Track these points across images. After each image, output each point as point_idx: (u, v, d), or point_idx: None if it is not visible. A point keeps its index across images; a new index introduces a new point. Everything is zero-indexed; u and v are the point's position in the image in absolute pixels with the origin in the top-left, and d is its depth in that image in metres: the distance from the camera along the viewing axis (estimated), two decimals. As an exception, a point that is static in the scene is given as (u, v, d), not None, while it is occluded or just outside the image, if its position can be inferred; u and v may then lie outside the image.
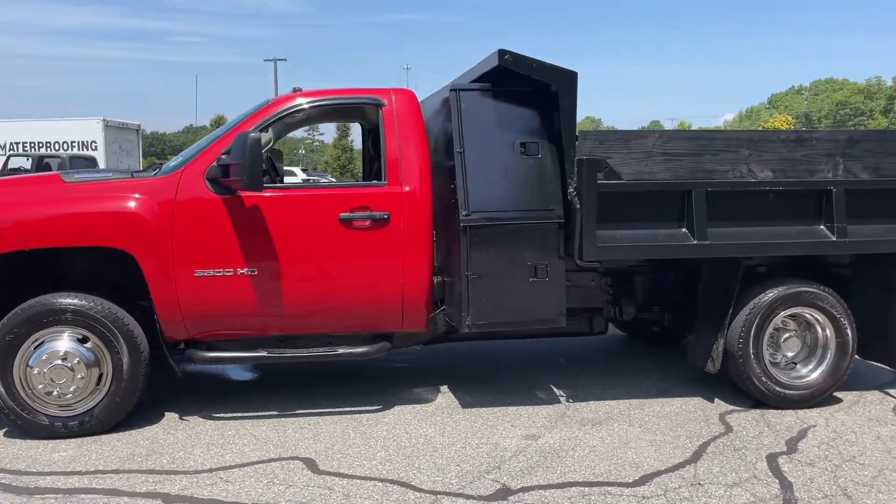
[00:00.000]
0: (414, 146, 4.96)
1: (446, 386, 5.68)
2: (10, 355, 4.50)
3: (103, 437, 4.61)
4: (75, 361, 4.53)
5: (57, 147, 25.99)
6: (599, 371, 6.08)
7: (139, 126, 29.81)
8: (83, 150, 25.70)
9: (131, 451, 4.40)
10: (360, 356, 4.98)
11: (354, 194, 4.89)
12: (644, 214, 4.92)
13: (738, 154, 5.06)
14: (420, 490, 3.89)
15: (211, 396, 5.44)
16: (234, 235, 4.66)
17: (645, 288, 5.75)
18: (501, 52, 4.81)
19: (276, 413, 5.07)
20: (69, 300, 4.56)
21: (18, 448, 4.46)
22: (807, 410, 5.14)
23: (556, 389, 5.61)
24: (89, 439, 4.57)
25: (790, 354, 5.29)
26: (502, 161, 4.95)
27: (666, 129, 18.79)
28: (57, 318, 4.54)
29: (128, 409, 4.68)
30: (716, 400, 5.35)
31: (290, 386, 5.70)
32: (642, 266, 5.66)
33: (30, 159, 22.60)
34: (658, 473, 4.11)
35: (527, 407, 5.20)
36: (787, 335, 5.26)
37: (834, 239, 5.02)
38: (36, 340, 4.54)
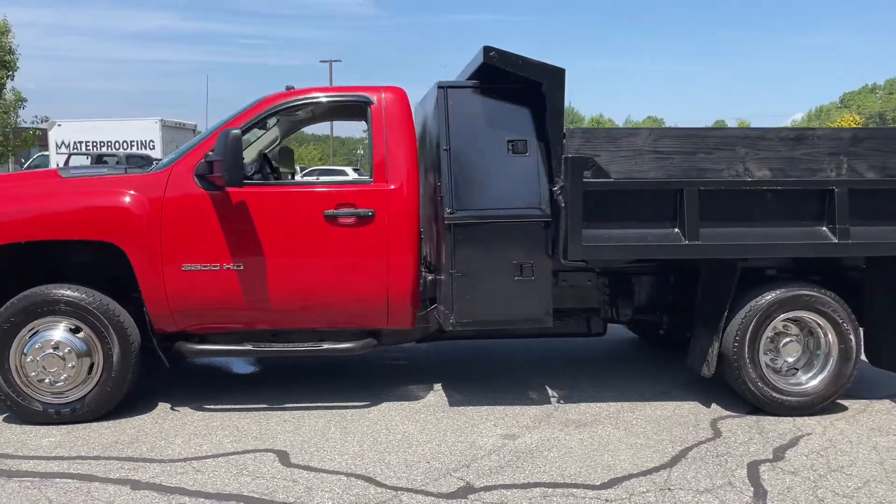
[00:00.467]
0: (401, 144, 4.98)
1: (440, 384, 5.68)
2: (7, 343, 4.68)
3: (94, 424, 4.76)
4: (66, 351, 4.69)
5: (117, 146, 26.89)
6: (599, 373, 5.99)
7: (195, 126, 30.61)
8: (142, 149, 26.53)
9: (115, 439, 4.53)
10: (343, 352, 5.02)
11: (340, 191, 4.93)
12: (633, 214, 4.82)
13: (733, 152, 4.91)
14: (382, 485, 3.90)
15: (207, 388, 5.57)
16: (220, 231, 4.75)
17: (643, 289, 5.64)
18: (487, 49, 4.78)
19: (265, 406, 5.15)
20: (63, 291, 4.72)
21: (12, 433, 4.64)
22: (806, 418, 4.96)
23: (549, 390, 5.55)
24: (80, 426, 4.72)
25: (790, 360, 5.12)
26: (489, 159, 4.93)
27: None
28: (51, 309, 4.70)
29: (118, 399, 4.82)
30: (713, 405, 5.21)
31: (288, 380, 5.78)
32: (641, 267, 5.55)
33: (89, 157, 23.46)
34: (629, 477, 4.03)
35: (515, 407, 5.16)
36: (787, 340, 5.09)
37: (835, 241, 4.84)
38: (32, 329, 4.72)
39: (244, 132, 4.89)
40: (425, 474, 4.04)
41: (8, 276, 4.92)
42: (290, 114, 5.10)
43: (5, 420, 4.86)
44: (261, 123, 4.99)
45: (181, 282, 4.76)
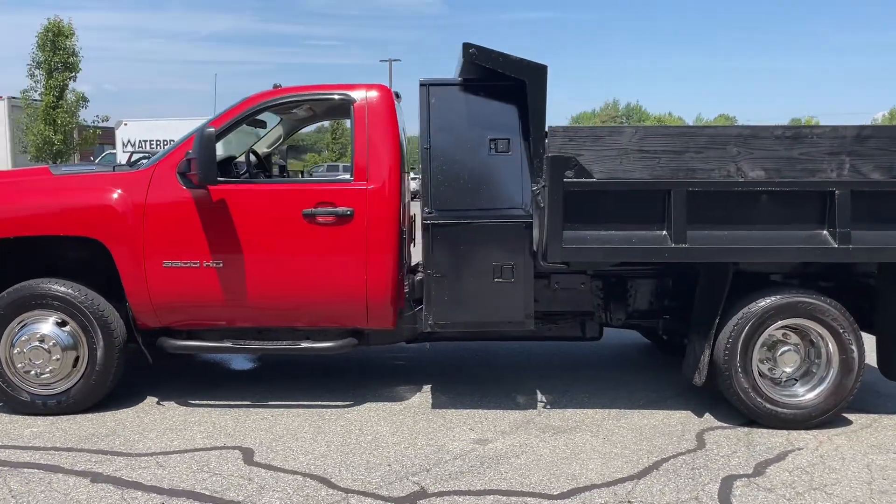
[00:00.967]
0: (384, 143, 4.93)
1: (430, 385, 5.62)
2: (-3, 335, 4.84)
3: (78, 416, 4.87)
4: (52, 344, 4.81)
5: (179, 144, 27.70)
6: (595, 377, 5.82)
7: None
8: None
9: (94, 432, 4.62)
10: (322, 351, 5.01)
11: (319, 190, 4.92)
12: (617, 215, 4.65)
13: (724, 151, 4.71)
14: (335, 487, 3.87)
15: (197, 384, 5.63)
16: (200, 228, 4.80)
17: (639, 293, 5.46)
18: (466, 46, 4.70)
19: (248, 403, 5.18)
20: (51, 286, 4.85)
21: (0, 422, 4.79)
22: (802, 432, 4.71)
23: (539, 394, 5.42)
24: (64, 418, 4.84)
25: (788, 370, 4.87)
26: (470, 158, 4.85)
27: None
28: (40, 303, 4.83)
29: (103, 392, 4.92)
30: (706, 415, 5.00)
31: (281, 378, 5.81)
32: (637, 270, 5.37)
33: (149, 156, 24.23)
34: (590, 488, 3.89)
35: (498, 411, 5.06)
36: (785, 349, 4.85)
37: (835, 245, 4.57)
38: (21, 322, 4.86)
39: (227, 130, 4.94)
40: (382, 477, 3.99)
41: (9, 271, 5.07)
42: (278, 112, 5.10)
43: (-3, 410, 5.03)
44: (244, 122, 5.00)
45: (162, 279, 4.83)
